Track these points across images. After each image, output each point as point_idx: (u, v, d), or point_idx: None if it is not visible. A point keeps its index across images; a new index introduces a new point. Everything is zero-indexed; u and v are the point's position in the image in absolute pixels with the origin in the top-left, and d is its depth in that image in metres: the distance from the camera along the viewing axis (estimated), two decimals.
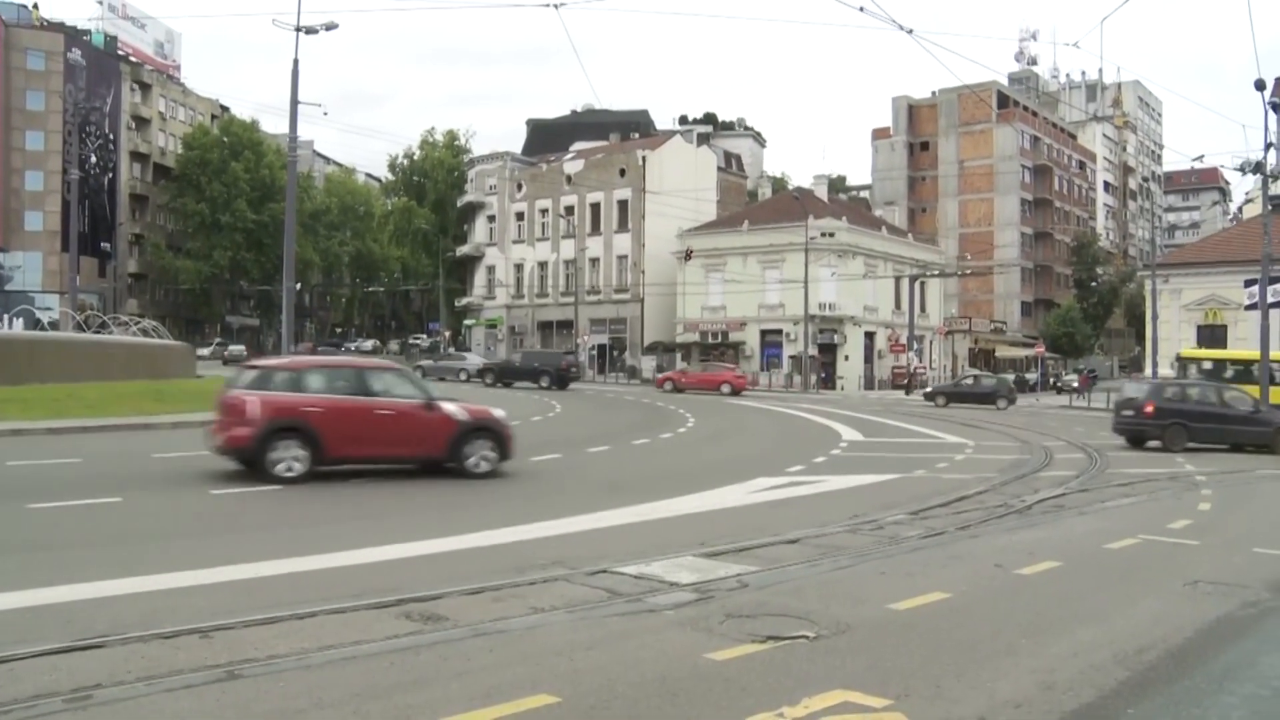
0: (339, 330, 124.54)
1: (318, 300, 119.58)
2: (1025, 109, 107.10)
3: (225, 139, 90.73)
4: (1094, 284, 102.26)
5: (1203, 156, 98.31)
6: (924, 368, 70.69)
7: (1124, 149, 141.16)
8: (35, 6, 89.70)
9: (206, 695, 5.47)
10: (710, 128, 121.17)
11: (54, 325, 57.60)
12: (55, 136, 77.76)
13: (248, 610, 7.20)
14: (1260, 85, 18.21)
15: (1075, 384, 63.27)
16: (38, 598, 7.54)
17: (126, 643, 6.38)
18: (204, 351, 64.66)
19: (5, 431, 19.30)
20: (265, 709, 5.30)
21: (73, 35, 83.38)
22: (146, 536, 10.59)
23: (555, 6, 18.34)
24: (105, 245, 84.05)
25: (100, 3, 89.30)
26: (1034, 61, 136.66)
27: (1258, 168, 25.20)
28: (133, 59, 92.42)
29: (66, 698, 5.31)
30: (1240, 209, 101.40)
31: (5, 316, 60.25)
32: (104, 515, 11.66)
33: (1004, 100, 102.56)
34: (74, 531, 10.68)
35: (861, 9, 15.48)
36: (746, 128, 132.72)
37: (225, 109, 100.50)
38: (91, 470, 15.33)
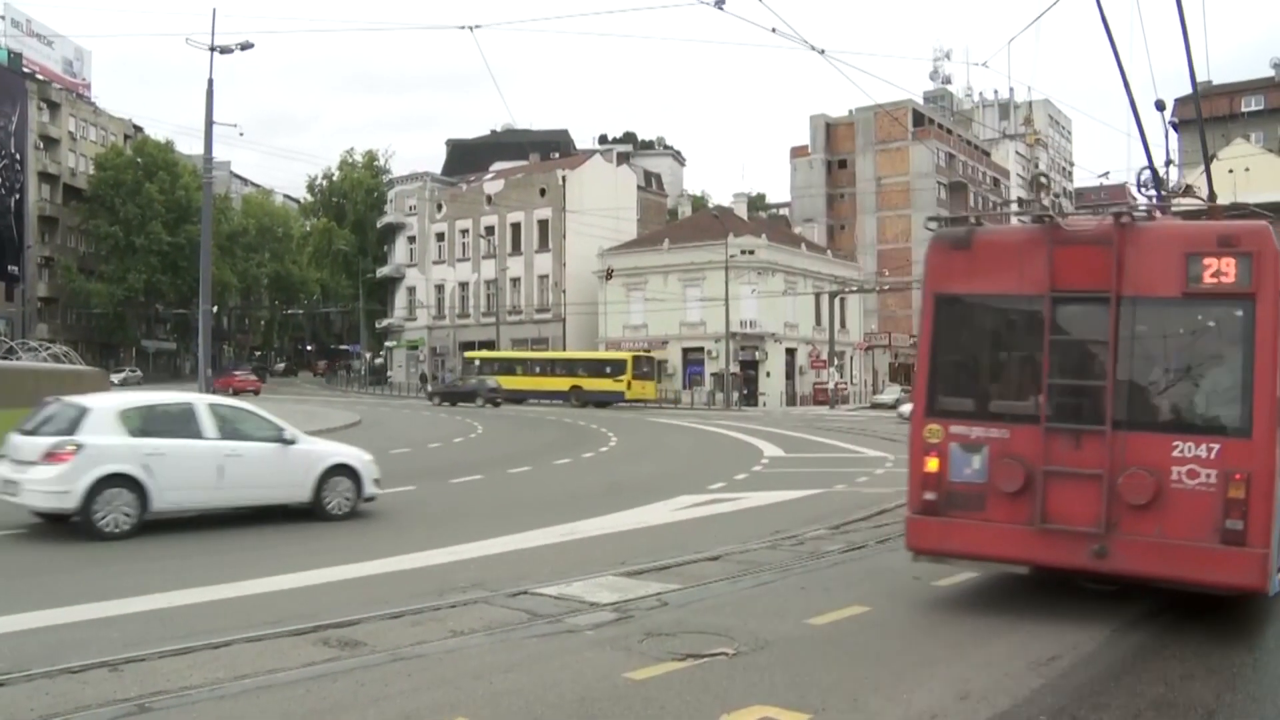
0: (258, 353, 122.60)
1: (236, 323, 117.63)
2: (940, 127, 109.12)
3: (139, 160, 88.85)
4: None
5: (1109, 173, 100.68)
6: (845, 383, 71.52)
7: (1036, 166, 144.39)
8: None
9: None
10: (630, 147, 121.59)
11: None
12: None
13: (160, 641, 7.07)
14: (1160, 106, 18.75)
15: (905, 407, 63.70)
16: None
17: (30, 679, 6.22)
18: (117, 378, 63.02)
19: None
20: None
21: None
22: (52, 569, 10.33)
23: (471, 29, 18.28)
24: (13, 269, 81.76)
25: (2, 18, 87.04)
26: (948, 81, 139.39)
27: (1158, 183, 25.83)
28: (40, 77, 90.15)
29: None
30: None
31: None
32: (5, 548, 11.34)
33: (919, 118, 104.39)
34: None
35: (774, 30, 15.65)
36: (666, 147, 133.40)
37: (139, 129, 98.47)
38: None
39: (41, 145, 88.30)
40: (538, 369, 65.43)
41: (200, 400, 14.49)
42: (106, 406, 13.18)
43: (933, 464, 8.61)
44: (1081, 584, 8.79)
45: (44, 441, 12.41)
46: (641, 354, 64.00)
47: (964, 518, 8.42)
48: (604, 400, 58.55)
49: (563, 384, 61.84)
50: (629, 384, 59.50)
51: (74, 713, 5.58)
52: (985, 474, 8.34)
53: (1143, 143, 11.85)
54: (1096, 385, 7.99)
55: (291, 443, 14.16)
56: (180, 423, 13.40)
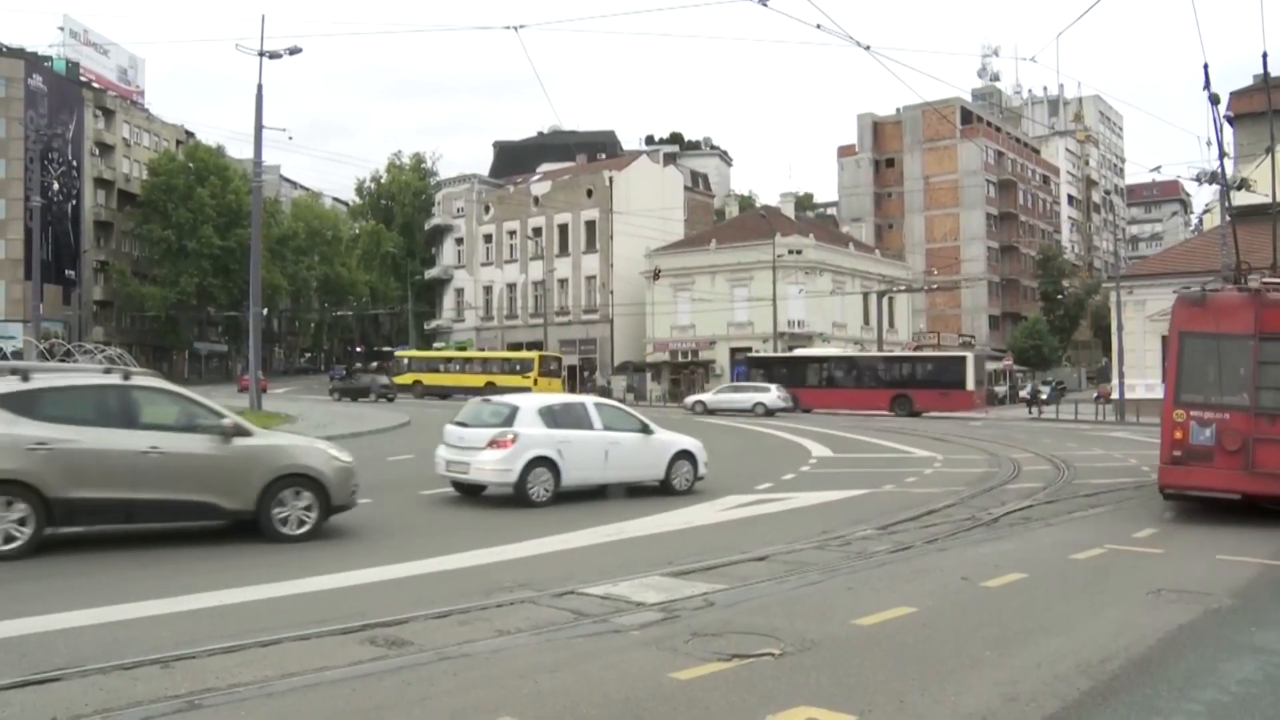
0: (307, 355, 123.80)
1: (286, 325, 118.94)
2: (989, 124, 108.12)
3: (191, 165, 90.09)
4: (1060, 296, 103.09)
5: (1160, 167, 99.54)
6: None
7: (1086, 163, 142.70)
8: None
9: None
10: (677, 147, 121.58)
11: (17, 354, 56.94)
12: (17, 164, 76.94)
13: (211, 639, 7.14)
14: (1215, 100, 18.57)
15: (1043, 396, 63.44)
16: None
17: (85, 675, 6.31)
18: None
19: None
20: None
21: (33, 61, 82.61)
22: (106, 567, 10.46)
23: (516, 29, 18.38)
24: (70, 273, 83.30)
25: (61, 29, 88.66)
26: (996, 77, 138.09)
27: (1214, 178, 25.47)
28: (95, 85, 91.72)
29: None
30: (1200, 220, 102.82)
31: None
32: (63, 547, 11.51)
33: (967, 116, 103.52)
34: (31, 564, 10.53)
35: (819, 26, 15.60)
36: (713, 147, 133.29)
37: (190, 135, 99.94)
38: None
39: (97, 152, 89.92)
40: (458, 367, 68.71)
41: (589, 399, 18.15)
42: (530, 404, 16.56)
43: (1179, 434, 14.11)
44: (1273, 507, 13.82)
45: (487, 432, 15.84)
46: (549, 354, 68.21)
47: (1199, 466, 13.96)
48: None
49: (479, 380, 63.76)
50: (535, 381, 62.55)
51: (126, 708, 5.66)
52: (1214, 439, 13.87)
53: (1218, 142, 15.28)
54: None
55: (651, 433, 17.43)
56: (577, 417, 16.69)
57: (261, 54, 28.93)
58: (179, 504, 11.46)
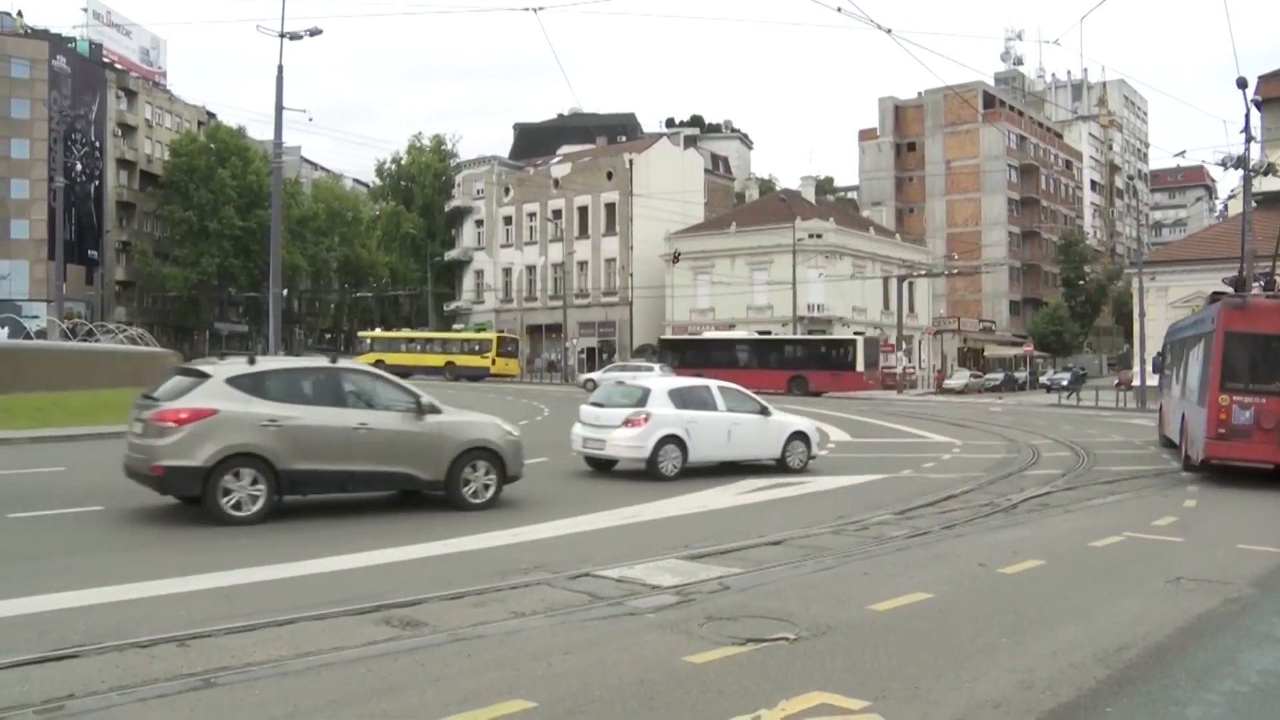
0: (328, 336, 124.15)
1: (306, 306, 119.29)
2: (1011, 109, 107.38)
3: (212, 145, 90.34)
4: (1082, 282, 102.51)
5: (1185, 152, 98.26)
6: (913, 368, 70.81)
7: (1110, 148, 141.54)
8: (19, 14, 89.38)
9: (180, 704, 5.44)
10: (697, 130, 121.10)
11: (41, 334, 57.35)
12: (40, 145, 77.24)
13: (227, 618, 7.16)
14: (1242, 84, 18.72)
15: (1065, 383, 63.10)
16: (12, 608, 7.48)
17: (102, 652, 6.34)
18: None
19: None
20: (239, 718, 5.27)
21: (57, 43, 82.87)
22: (126, 545, 10.52)
23: (535, 11, 18.30)
24: (92, 253, 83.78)
25: (85, 10, 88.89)
26: (1020, 61, 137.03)
27: (1240, 163, 25.26)
28: (118, 66, 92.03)
29: (37, 709, 5.28)
30: (1225, 205, 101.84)
31: None
32: (85, 524, 11.60)
33: (990, 100, 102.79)
34: (53, 541, 10.61)
35: (839, 9, 15.49)
36: (733, 130, 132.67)
37: (212, 116, 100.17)
38: (74, 479, 15.23)
39: (119, 132, 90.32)
40: (419, 347, 69.92)
41: (713, 383, 18.82)
42: (660, 387, 17.81)
43: (1223, 415, 16.74)
44: None
45: (622, 412, 17.09)
46: (506, 335, 70.46)
47: (1240, 441, 16.78)
48: (474, 375, 63.02)
49: (439, 360, 65.77)
50: (493, 361, 64.59)
51: (142, 685, 5.68)
52: (1253, 420, 16.64)
53: (1245, 126, 15.63)
54: None
55: (769, 415, 18.37)
56: (703, 399, 17.74)
57: (282, 35, 28.91)
58: (384, 475, 12.63)
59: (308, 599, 7.90)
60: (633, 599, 8.17)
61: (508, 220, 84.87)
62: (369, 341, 73.14)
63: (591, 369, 72.64)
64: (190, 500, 11.86)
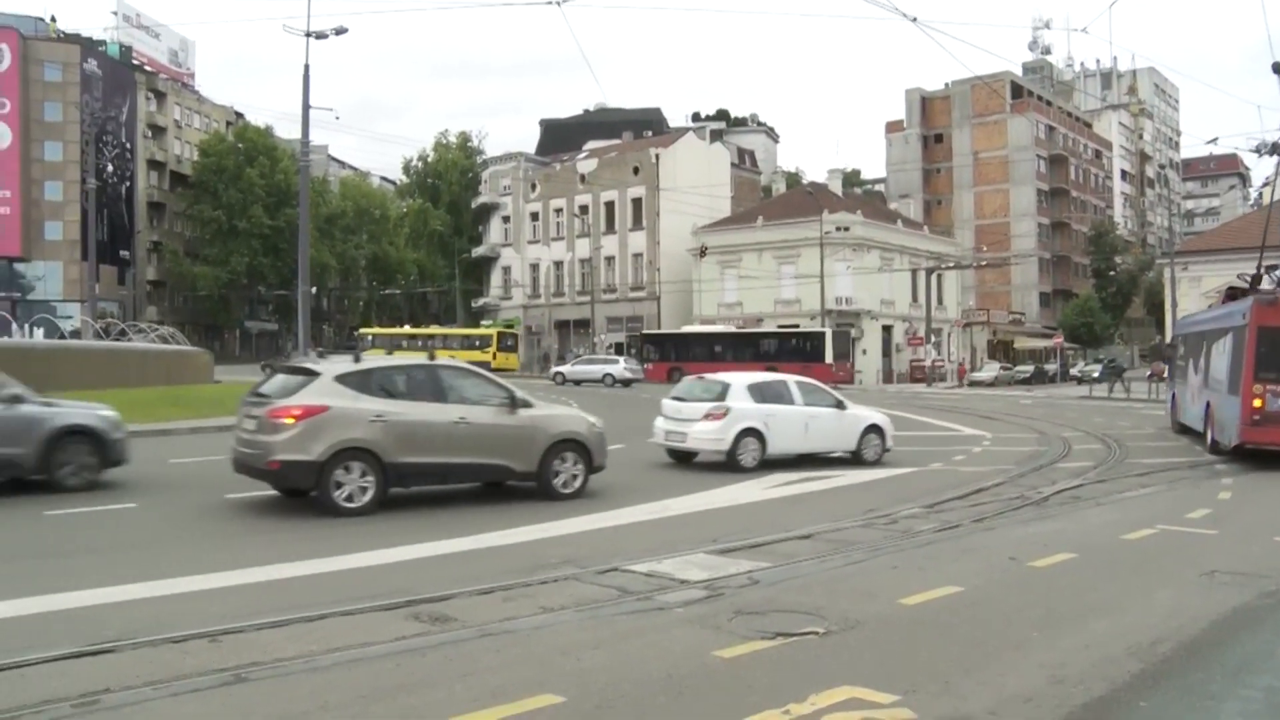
0: (357, 333, 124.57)
1: (335, 304, 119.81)
2: (1039, 99, 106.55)
3: (240, 145, 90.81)
4: (1112, 273, 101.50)
5: (1217, 139, 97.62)
6: (942, 360, 70.42)
7: (1140, 136, 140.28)
8: (53, 19, 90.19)
9: (212, 699, 5.49)
10: (723, 124, 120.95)
11: (74, 334, 57.91)
12: (73, 147, 77.90)
13: (258, 614, 7.21)
14: (1277, 68, 18.63)
15: (1096, 375, 62.44)
16: (49, 604, 7.58)
17: (136, 647, 6.41)
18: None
19: None
20: (270, 712, 5.31)
21: (88, 46, 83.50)
22: (160, 542, 10.61)
23: (558, 3, 18.29)
24: (124, 253, 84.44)
25: (115, 13, 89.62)
26: (1048, 51, 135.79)
27: (1274, 149, 24.96)
28: (147, 68, 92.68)
29: (74, 703, 5.34)
30: (1259, 193, 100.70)
31: (27, 326, 60.61)
32: (118, 521, 11.71)
33: (1018, 90, 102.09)
34: (87, 537, 10.73)
35: None
36: (759, 123, 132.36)
37: (240, 116, 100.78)
38: (106, 476, 15.35)
39: (149, 134, 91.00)
40: (420, 343, 68.95)
41: (790, 378, 19.42)
42: (740, 381, 18.25)
43: (1258, 402, 17.73)
44: None
45: (703, 406, 17.66)
46: (506, 330, 71.83)
47: (1273, 427, 17.73)
48: None
49: (440, 355, 65.58)
50: (494, 356, 65.20)
51: (175, 680, 5.73)
52: None
53: None
54: None
55: (845, 409, 18.82)
56: (780, 393, 18.23)
57: (308, 34, 29.09)
58: (482, 466, 13.26)
59: (338, 594, 7.94)
60: (661, 594, 8.16)
61: (534, 216, 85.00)
62: (370, 338, 73.14)
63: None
64: (292, 493, 12.59)
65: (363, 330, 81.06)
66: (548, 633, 6.94)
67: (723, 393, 17.85)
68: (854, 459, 18.75)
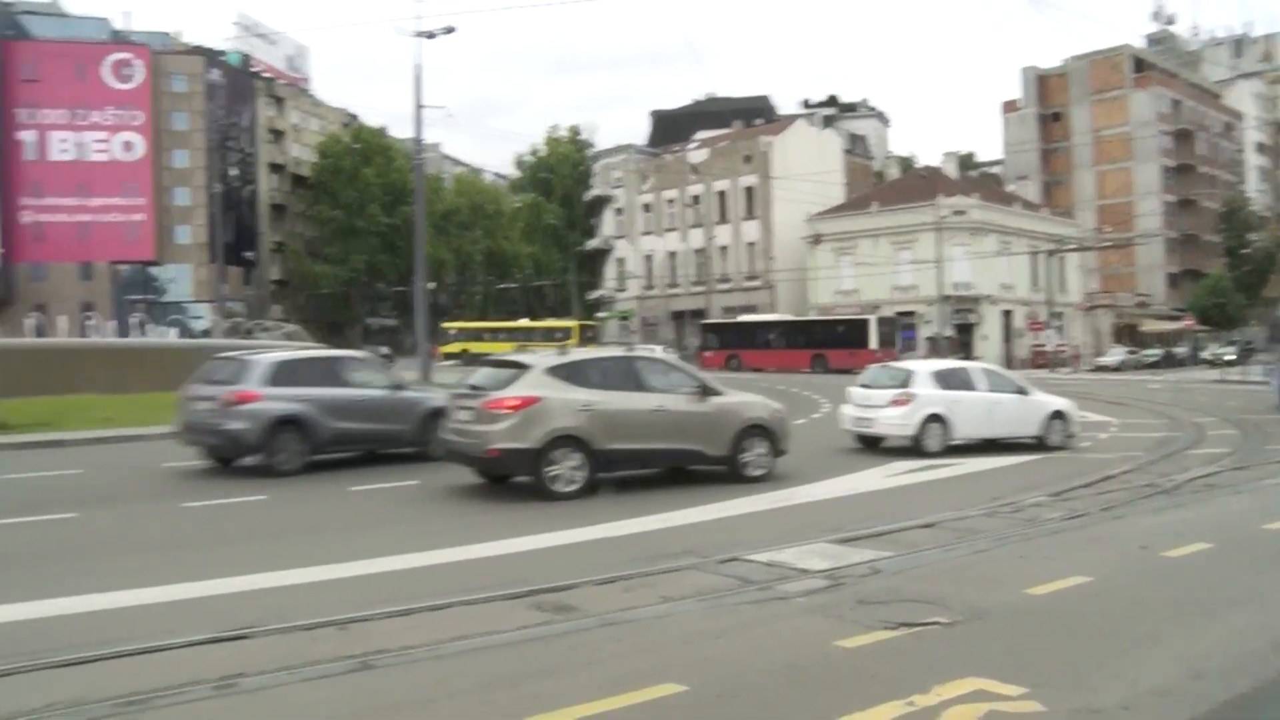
0: (441, 326, 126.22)
1: (452, 299, 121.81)
2: (1163, 71, 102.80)
3: (356, 146, 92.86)
4: (1246, 251, 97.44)
5: None
6: (1065, 345, 68.59)
7: (1276, 105, 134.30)
8: (179, 34, 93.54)
9: (342, 684, 5.63)
10: (833, 110, 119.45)
11: (205, 333, 59.97)
12: (199, 154, 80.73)
13: (383, 603, 7.35)
14: None
15: (1230, 356, 60.06)
16: (187, 591, 7.89)
17: (268, 634, 6.63)
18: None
19: (155, 435, 19.86)
20: (396, 698, 5.42)
21: (211, 57, 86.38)
22: (291, 532, 10.93)
23: None
24: (249, 254, 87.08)
25: (237, 24, 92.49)
26: (1171, 21, 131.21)
27: None
28: (266, 75, 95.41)
29: (214, 684, 5.55)
30: None
31: (159, 327, 63.06)
32: (249, 513, 12.09)
33: (1139, 64, 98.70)
34: (221, 528, 11.10)
35: None
36: (870, 108, 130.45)
37: (354, 117, 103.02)
38: (234, 470, 15.85)
39: (270, 138, 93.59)
40: (500, 336, 71.66)
41: (974, 365, 20.30)
42: (924, 369, 18.99)
43: None
44: None
45: (889, 393, 18.22)
46: (588, 323, 72.27)
47: None
48: None
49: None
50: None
51: (305, 666, 5.89)
52: None
53: None
54: None
55: (1026, 394, 19.03)
56: (964, 379, 18.72)
57: (418, 34, 29.60)
58: (678, 452, 13.90)
59: (460, 584, 8.06)
60: (782, 583, 8.10)
61: (647, 208, 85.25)
62: (453, 331, 75.46)
63: None
64: (498, 480, 13.51)
65: (445, 324, 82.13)
66: (669, 622, 6.95)
67: (906, 379, 18.36)
68: (1038, 444, 18.71)
